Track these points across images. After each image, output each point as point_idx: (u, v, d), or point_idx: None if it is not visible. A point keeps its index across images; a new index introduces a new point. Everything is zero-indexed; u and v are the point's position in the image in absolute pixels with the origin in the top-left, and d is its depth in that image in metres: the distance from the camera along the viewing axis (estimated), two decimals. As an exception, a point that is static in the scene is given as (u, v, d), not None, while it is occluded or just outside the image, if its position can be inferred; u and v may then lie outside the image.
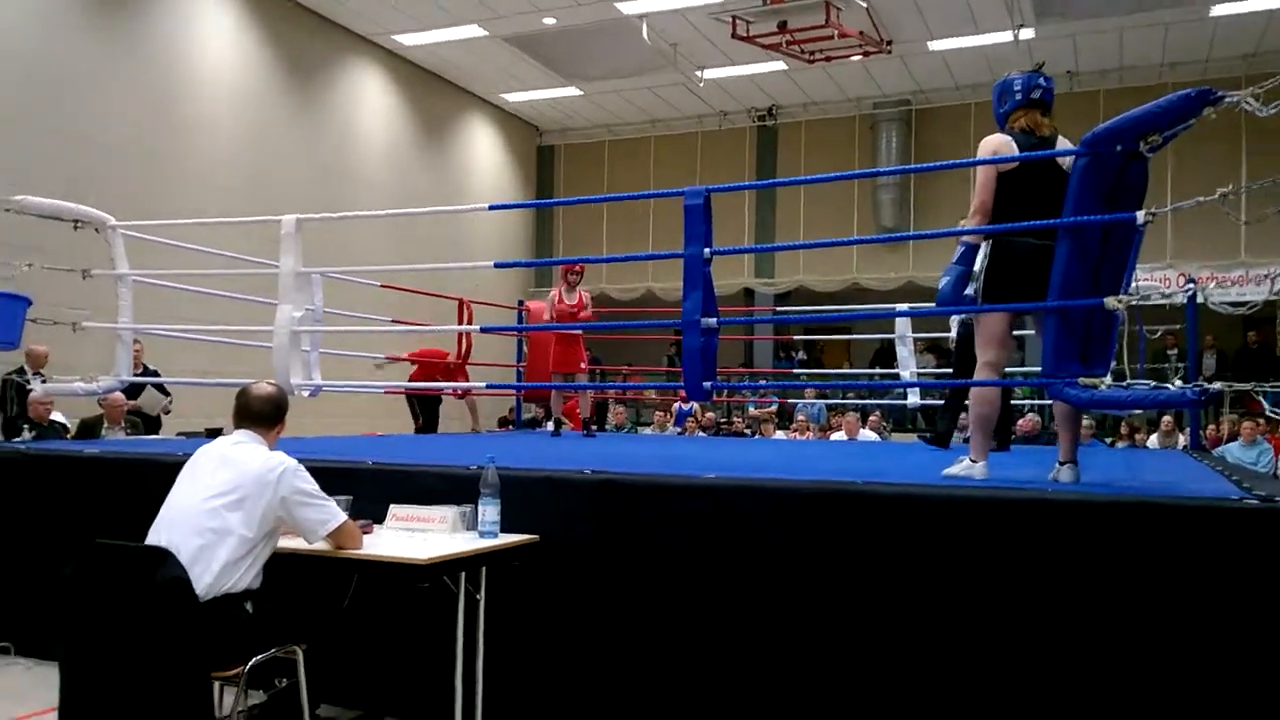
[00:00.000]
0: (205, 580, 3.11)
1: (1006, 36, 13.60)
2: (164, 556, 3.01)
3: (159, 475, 3.47)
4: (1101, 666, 3.17)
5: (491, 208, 6.73)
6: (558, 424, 8.83)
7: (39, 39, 10.30)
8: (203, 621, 3.04)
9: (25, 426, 7.77)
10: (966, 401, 6.75)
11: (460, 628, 3.57)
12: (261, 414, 3.53)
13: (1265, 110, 3.18)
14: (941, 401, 7.27)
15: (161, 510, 3.31)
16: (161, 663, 2.91)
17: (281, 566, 3.54)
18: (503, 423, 15.50)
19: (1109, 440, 12.13)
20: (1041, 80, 4.11)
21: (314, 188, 13.58)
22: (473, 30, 14.50)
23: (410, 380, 9.82)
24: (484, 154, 18.07)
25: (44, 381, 6.63)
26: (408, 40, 15.04)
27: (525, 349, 10.37)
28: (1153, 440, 11.41)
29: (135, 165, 11.21)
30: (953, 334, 7.00)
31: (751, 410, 15.10)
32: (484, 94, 17.61)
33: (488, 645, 3.73)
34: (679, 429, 13.19)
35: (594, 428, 9.06)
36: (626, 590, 3.83)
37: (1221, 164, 13.77)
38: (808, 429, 12.69)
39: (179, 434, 9.05)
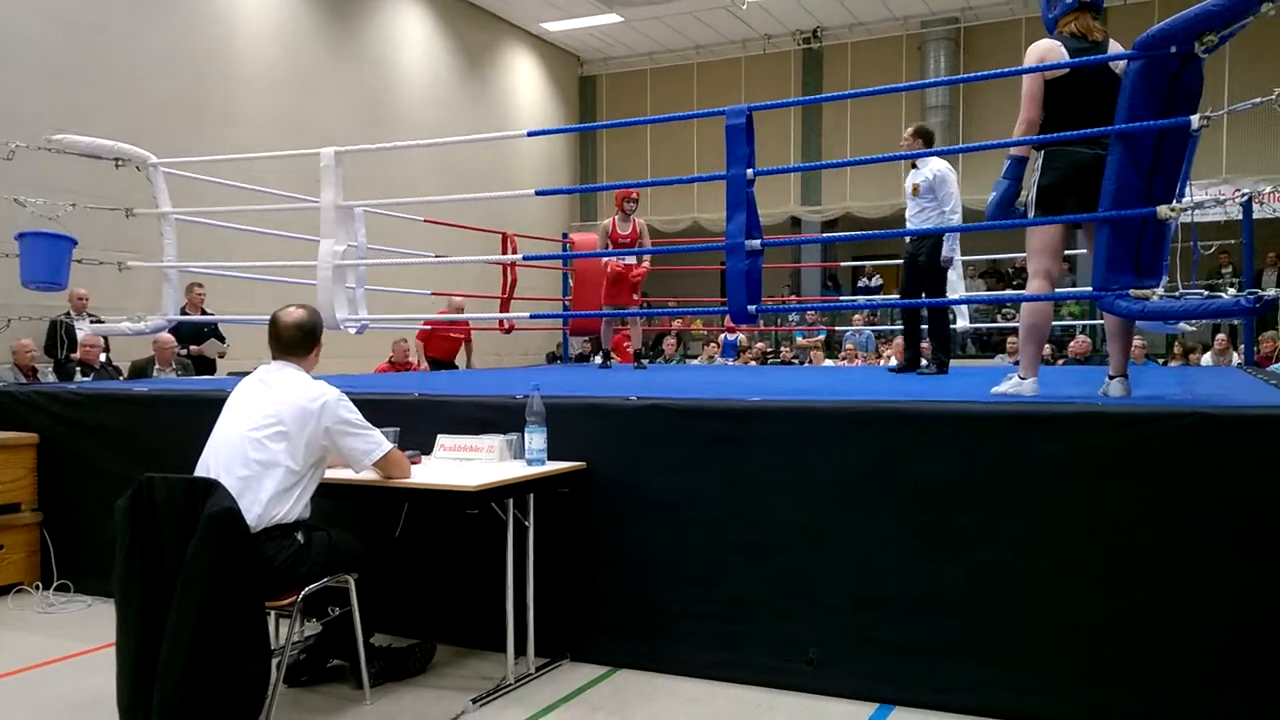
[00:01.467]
0: (254, 511, 3.17)
1: (1060, -55, 13.09)
2: (213, 487, 3.05)
3: (209, 411, 3.53)
4: (1150, 575, 3.15)
5: (530, 133, 6.67)
6: (606, 356, 8.81)
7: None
8: (254, 551, 3.10)
9: (78, 369, 7.94)
10: (924, 326, 6.73)
11: (510, 554, 3.62)
12: (292, 341, 3.48)
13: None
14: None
15: (208, 443, 3.37)
16: (216, 593, 2.96)
17: (333, 496, 3.61)
18: (550, 358, 15.62)
19: (1162, 360, 11.91)
20: None
21: (355, 126, 13.57)
22: (510, -42, 14.28)
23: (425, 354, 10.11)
24: (526, 87, 17.90)
25: (92, 322, 6.73)
26: (444, -29, 14.87)
27: (571, 282, 10.35)
28: (1206, 358, 11.17)
29: (175, 109, 11.26)
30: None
31: (800, 339, 15.03)
32: (524, 24, 17.39)
33: (537, 571, 3.79)
34: (726, 359, 13.18)
35: (645, 360, 9.01)
36: (675, 515, 3.86)
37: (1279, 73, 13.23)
38: (857, 356, 12.60)
39: (230, 374, 9.21)
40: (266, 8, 12.74)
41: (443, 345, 10.62)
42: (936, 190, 6.20)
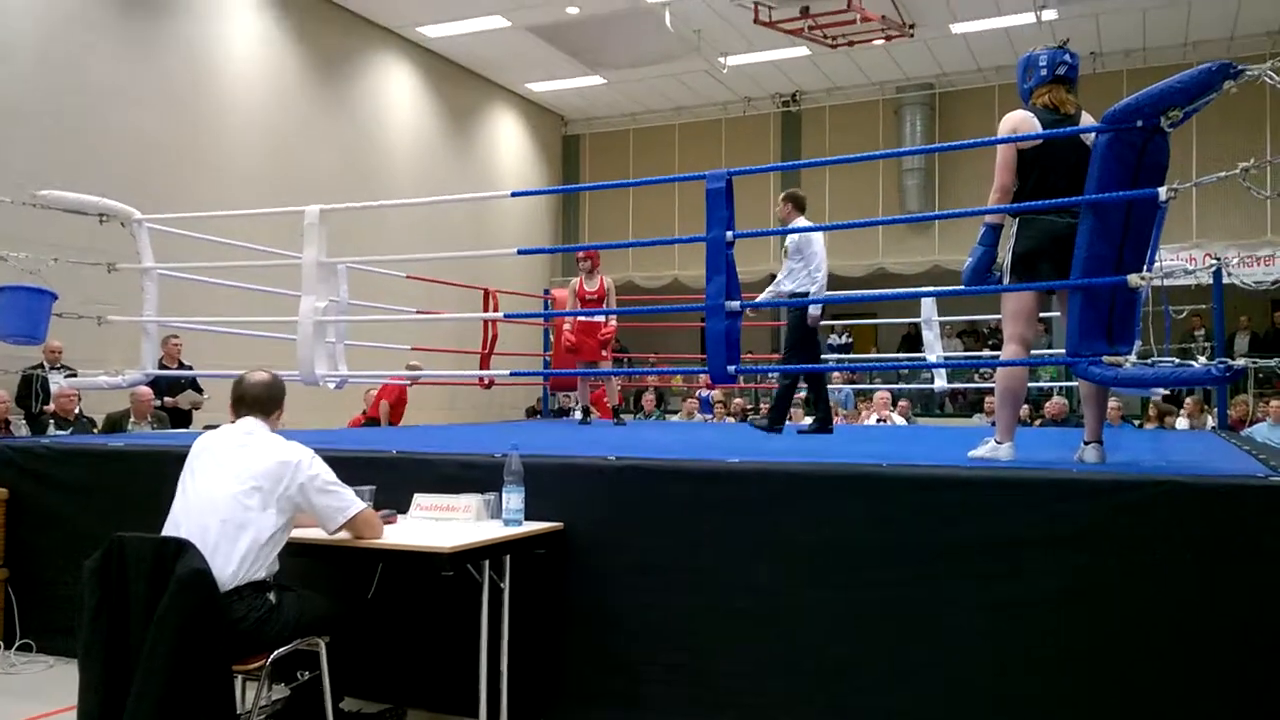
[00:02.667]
0: (228, 569, 3.14)
1: (1029, 18, 13.44)
2: (184, 547, 3.02)
3: (181, 468, 3.50)
4: (1124, 645, 3.15)
5: (514, 194, 6.75)
6: (585, 412, 8.85)
7: (67, 38, 10.40)
8: (224, 613, 3.06)
9: (51, 421, 7.86)
10: (801, 385, 6.84)
11: (485, 617, 3.57)
12: (258, 399, 3.54)
13: (1288, 83, 3.13)
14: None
15: (176, 501, 3.33)
16: (183, 657, 2.90)
17: (306, 556, 3.57)
18: (530, 412, 15.60)
19: (1137, 422, 12.01)
20: (1067, 56, 4.05)
21: (341, 181, 13.66)
22: (497, 21, 14.52)
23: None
24: (510, 145, 18.09)
25: (67, 375, 6.68)
26: (432, 32, 15.07)
27: (552, 338, 10.39)
28: (1181, 422, 11.27)
29: (163, 163, 11.31)
30: (783, 320, 7.04)
31: (779, 397, 15.05)
32: (509, 84, 17.62)
33: (512, 635, 3.75)
34: (706, 415, 13.19)
35: (623, 417, 9.06)
36: (651, 577, 3.83)
37: (1246, 140, 13.58)
38: (837, 414, 12.64)
39: (204, 427, 9.14)
40: (257, 63, 12.87)
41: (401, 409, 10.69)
42: (804, 250, 6.35)
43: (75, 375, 6.74)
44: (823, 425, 6.78)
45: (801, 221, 6.45)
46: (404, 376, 9.73)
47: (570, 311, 8.35)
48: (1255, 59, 3.41)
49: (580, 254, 8.35)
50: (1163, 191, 3.44)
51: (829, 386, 13.99)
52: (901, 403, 12.34)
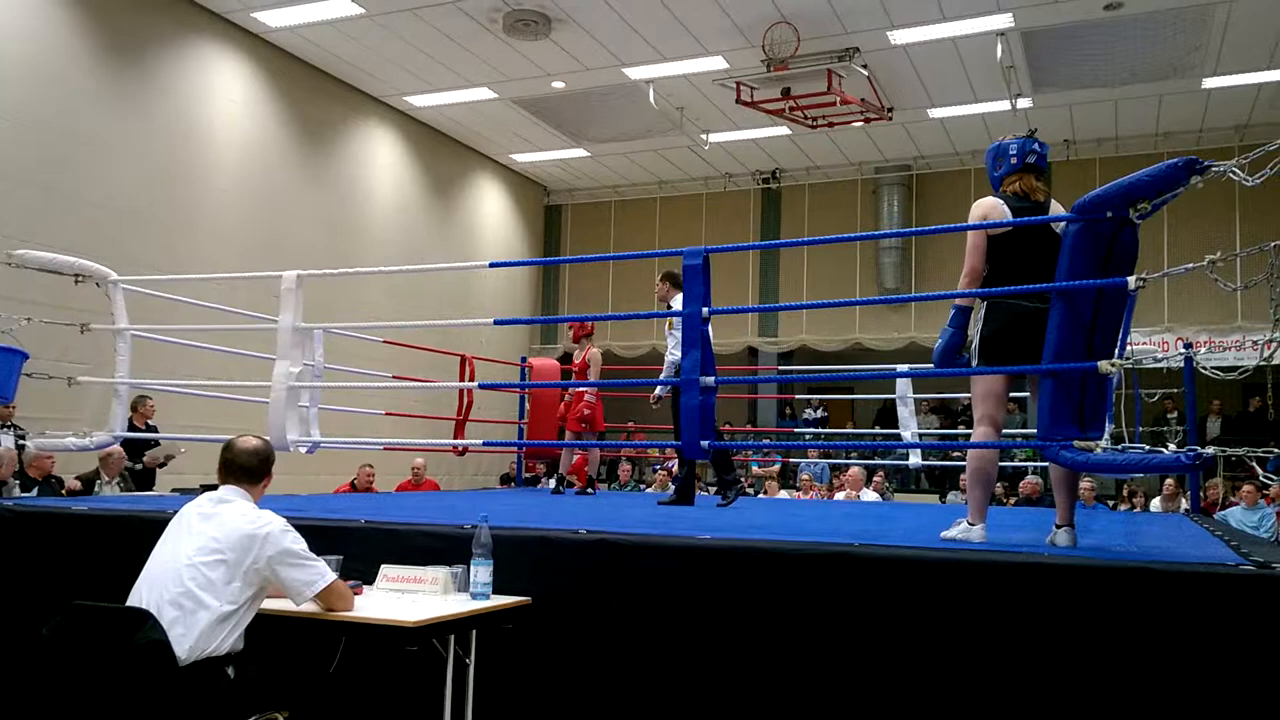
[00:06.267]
0: (186, 643, 3.06)
1: (1004, 105, 13.77)
2: (144, 618, 2.96)
3: (147, 532, 3.44)
4: (1099, 738, 3.12)
5: (491, 265, 6.83)
6: (560, 481, 8.81)
7: (50, 96, 10.43)
8: (182, 686, 2.98)
9: (17, 483, 7.73)
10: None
11: (449, 694, 3.50)
12: (246, 468, 3.49)
13: (1252, 180, 3.21)
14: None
15: (144, 569, 3.27)
16: (140, 729, 2.83)
17: (267, 629, 3.50)
18: (504, 479, 15.50)
19: (1111, 503, 12.04)
20: (1036, 145, 4.15)
21: (323, 246, 13.69)
22: (483, 93, 14.72)
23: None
24: (492, 213, 18.23)
25: (34, 437, 6.60)
26: (419, 101, 15.26)
27: (528, 405, 10.37)
28: (1155, 504, 11.33)
29: (145, 226, 11.30)
30: (657, 393, 7.32)
31: (755, 469, 15.07)
32: (493, 154, 17.81)
33: (477, 712, 3.67)
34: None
35: (593, 486, 9.05)
36: (621, 655, 3.78)
37: (1217, 229, 13.89)
38: (812, 488, 12.64)
39: (173, 490, 9.01)
40: (242, 127, 12.96)
41: None
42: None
43: (24, 436, 6.65)
44: (683, 497, 6.97)
45: (681, 297, 6.62)
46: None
47: (545, 383, 8.39)
48: (1224, 151, 3.51)
49: (579, 325, 8.59)
50: (1132, 281, 3.50)
51: (805, 460, 14.09)
52: (876, 478, 12.35)
